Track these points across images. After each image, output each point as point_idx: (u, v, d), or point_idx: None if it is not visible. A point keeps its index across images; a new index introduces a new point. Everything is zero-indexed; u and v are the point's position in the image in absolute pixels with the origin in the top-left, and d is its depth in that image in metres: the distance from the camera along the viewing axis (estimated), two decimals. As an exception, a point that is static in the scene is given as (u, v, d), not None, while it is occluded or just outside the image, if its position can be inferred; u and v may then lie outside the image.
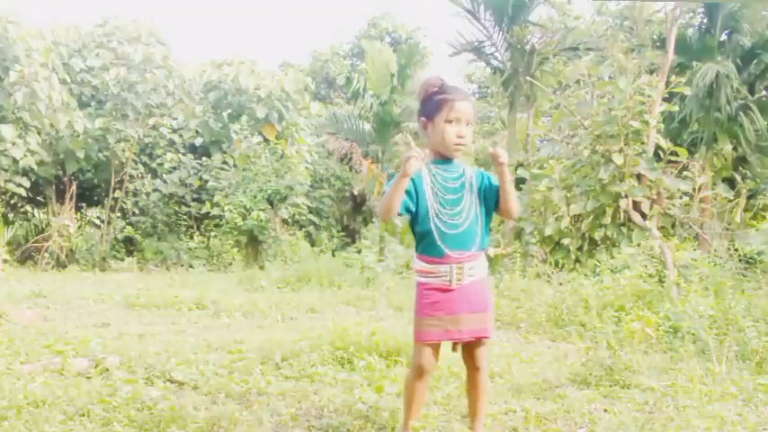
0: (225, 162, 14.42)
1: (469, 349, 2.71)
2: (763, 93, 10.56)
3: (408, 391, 2.76)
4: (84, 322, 5.89)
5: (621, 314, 5.00)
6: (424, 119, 2.70)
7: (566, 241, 8.28)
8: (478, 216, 2.69)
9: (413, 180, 2.62)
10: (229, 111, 14.28)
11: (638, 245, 7.20)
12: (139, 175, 14.31)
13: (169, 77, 13.92)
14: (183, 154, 14.65)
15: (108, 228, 13.73)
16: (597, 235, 8.08)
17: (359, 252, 11.23)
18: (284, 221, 14.08)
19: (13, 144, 12.01)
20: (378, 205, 2.63)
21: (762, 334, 4.33)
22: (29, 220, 14.40)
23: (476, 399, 2.75)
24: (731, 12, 10.24)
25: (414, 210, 2.66)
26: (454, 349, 2.78)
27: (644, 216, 7.97)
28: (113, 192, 13.79)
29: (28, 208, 14.97)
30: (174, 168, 14.40)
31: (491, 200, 2.72)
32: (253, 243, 13.13)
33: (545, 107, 15.14)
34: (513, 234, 9.28)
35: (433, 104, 2.64)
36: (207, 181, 14.19)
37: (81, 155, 12.87)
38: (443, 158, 2.70)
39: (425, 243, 2.67)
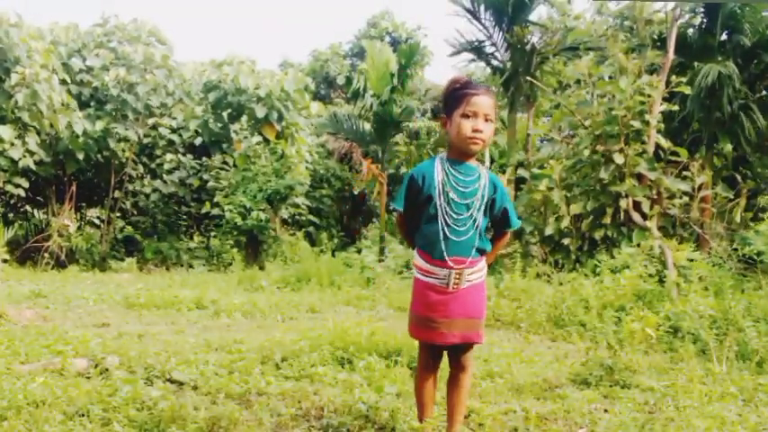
0: (225, 162, 14.42)
1: (458, 351, 2.71)
2: (764, 92, 10.54)
3: (416, 389, 2.80)
4: (84, 322, 5.89)
5: (621, 314, 4.99)
6: (444, 116, 2.69)
7: (566, 241, 8.28)
8: (482, 224, 2.68)
9: (423, 178, 2.63)
10: (229, 111, 14.27)
11: (638, 245, 7.20)
12: (139, 176, 14.31)
13: (169, 77, 13.92)
14: (183, 154, 14.65)
15: (108, 228, 13.74)
16: (597, 235, 8.08)
17: (359, 252, 11.23)
18: (284, 221, 14.09)
19: (12, 145, 12.01)
20: (397, 225, 2.83)
21: (762, 334, 4.33)
22: (29, 221, 14.39)
23: (457, 399, 2.74)
24: (731, 12, 10.23)
25: (406, 209, 2.69)
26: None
27: (644, 216, 7.97)
28: (113, 192, 13.79)
29: (28, 208, 14.97)
30: (174, 168, 14.40)
31: (495, 215, 2.74)
32: (253, 243, 13.13)
33: (545, 107, 15.14)
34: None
35: (452, 100, 2.64)
36: (207, 181, 14.19)
37: (81, 155, 12.87)
38: (460, 159, 2.66)
39: (428, 242, 2.64)
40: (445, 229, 2.60)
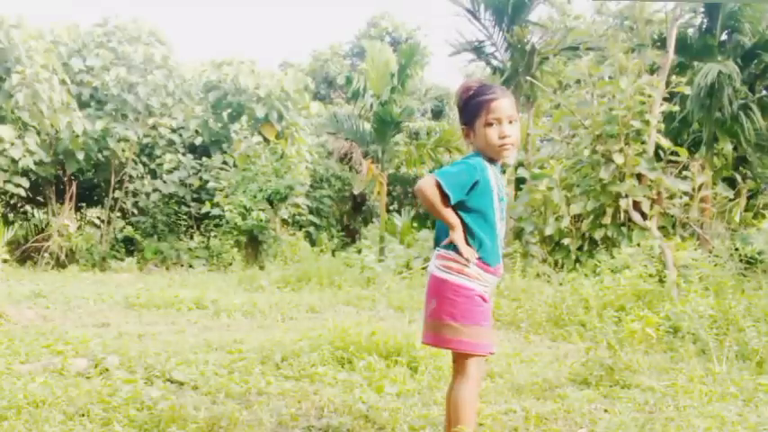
0: (225, 162, 14.42)
1: None
2: (764, 92, 10.55)
3: (471, 405, 2.47)
4: (84, 322, 5.89)
5: (621, 314, 4.99)
6: (464, 127, 2.55)
7: (566, 241, 8.29)
8: None
9: (483, 174, 2.45)
10: (229, 111, 14.28)
11: (639, 245, 7.20)
12: (139, 176, 14.31)
13: (169, 77, 13.92)
14: (183, 154, 14.65)
15: (108, 228, 13.74)
16: (597, 235, 8.08)
17: (359, 252, 11.22)
18: (284, 221, 14.08)
19: (12, 144, 12.01)
20: (426, 190, 2.41)
21: (762, 334, 4.33)
22: (29, 220, 14.40)
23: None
24: (731, 11, 10.24)
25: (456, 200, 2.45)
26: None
27: (644, 216, 7.97)
28: (113, 192, 13.79)
29: (28, 208, 14.98)
30: (174, 168, 14.40)
31: None
32: (253, 243, 13.12)
33: (545, 107, 15.13)
34: (513, 234, 9.28)
35: (469, 110, 2.51)
36: (207, 181, 14.19)
37: (81, 155, 12.88)
38: (494, 161, 2.53)
39: (484, 249, 2.47)
40: (500, 235, 2.52)
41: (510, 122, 2.47)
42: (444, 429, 2.64)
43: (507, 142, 2.46)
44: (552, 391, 3.60)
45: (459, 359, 2.49)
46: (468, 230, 2.47)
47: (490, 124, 2.46)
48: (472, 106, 2.50)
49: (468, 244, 2.45)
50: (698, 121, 10.10)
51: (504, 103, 2.47)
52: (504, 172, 2.72)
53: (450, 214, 2.45)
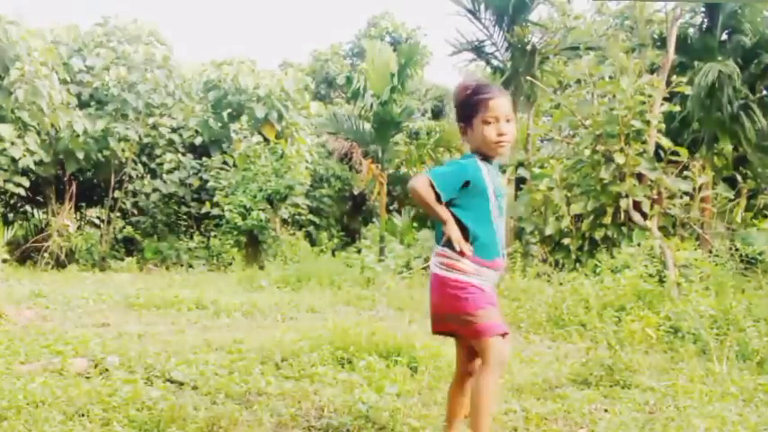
0: (225, 162, 14.42)
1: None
2: (764, 92, 10.55)
3: (492, 392, 2.50)
4: (84, 322, 5.88)
5: (622, 314, 4.99)
6: (462, 124, 2.62)
7: (566, 241, 8.28)
8: None
9: (476, 174, 2.52)
10: (229, 110, 14.28)
11: (639, 245, 7.20)
12: (139, 175, 14.31)
13: (169, 77, 13.92)
14: (183, 154, 14.65)
15: (108, 228, 13.74)
16: (597, 235, 8.08)
17: (359, 252, 11.22)
18: (284, 221, 14.08)
19: (12, 144, 12.00)
20: (420, 188, 2.50)
21: (762, 334, 4.33)
22: (28, 220, 14.40)
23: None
24: (732, 11, 10.25)
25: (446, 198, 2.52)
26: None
27: (644, 216, 7.97)
28: (113, 192, 13.79)
29: (27, 208, 14.97)
30: (174, 168, 14.40)
31: None
32: (253, 243, 13.12)
33: (545, 107, 15.13)
34: (514, 234, 9.28)
35: (468, 108, 2.57)
36: (207, 181, 14.19)
37: (81, 155, 12.87)
38: (489, 160, 2.59)
39: (479, 244, 2.52)
40: (497, 229, 2.57)
41: (507, 121, 2.55)
42: (446, 421, 2.73)
43: (504, 140, 2.54)
44: (552, 391, 3.59)
45: (479, 346, 2.53)
46: (461, 227, 2.52)
47: (488, 122, 2.53)
48: (471, 104, 2.56)
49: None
50: (698, 121, 10.09)
51: (501, 102, 2.54)
52: (504, 171, 2.79)
53: (442, 210, 2.52)
